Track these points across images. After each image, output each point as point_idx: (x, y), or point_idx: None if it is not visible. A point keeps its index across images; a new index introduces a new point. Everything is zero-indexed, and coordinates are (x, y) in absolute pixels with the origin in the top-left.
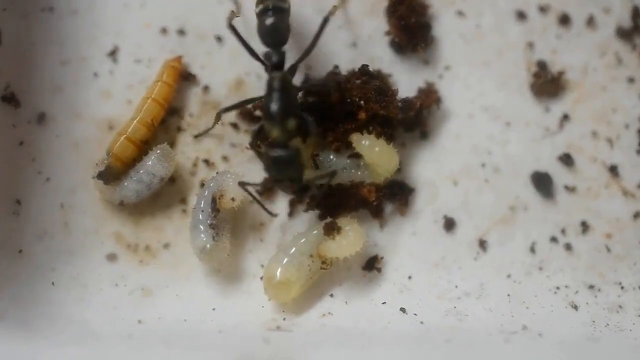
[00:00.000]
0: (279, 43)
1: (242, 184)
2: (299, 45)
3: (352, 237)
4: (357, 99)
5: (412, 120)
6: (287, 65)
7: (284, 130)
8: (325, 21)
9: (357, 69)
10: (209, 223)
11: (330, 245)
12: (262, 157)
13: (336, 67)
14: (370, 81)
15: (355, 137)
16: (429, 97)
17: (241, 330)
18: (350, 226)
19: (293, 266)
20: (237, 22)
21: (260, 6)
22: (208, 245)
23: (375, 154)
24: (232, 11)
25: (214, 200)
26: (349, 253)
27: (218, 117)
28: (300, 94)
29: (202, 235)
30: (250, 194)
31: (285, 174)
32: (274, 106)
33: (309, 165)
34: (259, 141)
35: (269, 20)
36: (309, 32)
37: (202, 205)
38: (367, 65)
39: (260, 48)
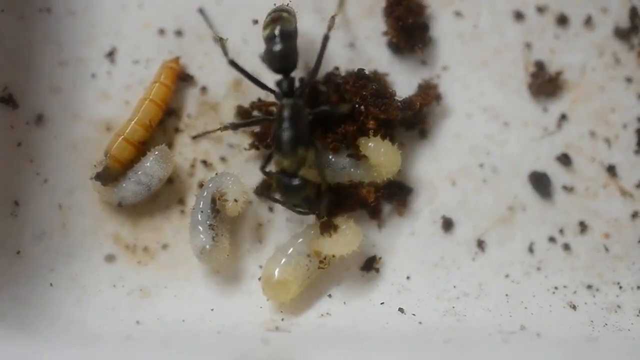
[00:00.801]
0: (289, 69)
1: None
2: (300, 56)
3: (349, 236)
4: (357, 105)
5: (411, 119)
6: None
7: (293, 160)
8: (326, 39)
9: (354, 70)
10: (208, 224)
11: (325, 242)
12: (273, 181)
13: (336, 68)
14: (368, 84)
15: (362, 142)
16: (428, 95)
17: (240, 330)
18: (347, 225)
19: (291, 266)
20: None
21: (267, 30)
22: (207, 246)
23: (381, 155)
24: (220, 38)
25: (213, 201)
26: (345, 251)
27: (225, 128)
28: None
29: (202, 235)
30: (269, 197)
31: (294, 201)
32: (285, 136)
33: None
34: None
35: (277, 47)
36: (309, 39)
37: (201, 206)
38: (364, 69)
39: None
